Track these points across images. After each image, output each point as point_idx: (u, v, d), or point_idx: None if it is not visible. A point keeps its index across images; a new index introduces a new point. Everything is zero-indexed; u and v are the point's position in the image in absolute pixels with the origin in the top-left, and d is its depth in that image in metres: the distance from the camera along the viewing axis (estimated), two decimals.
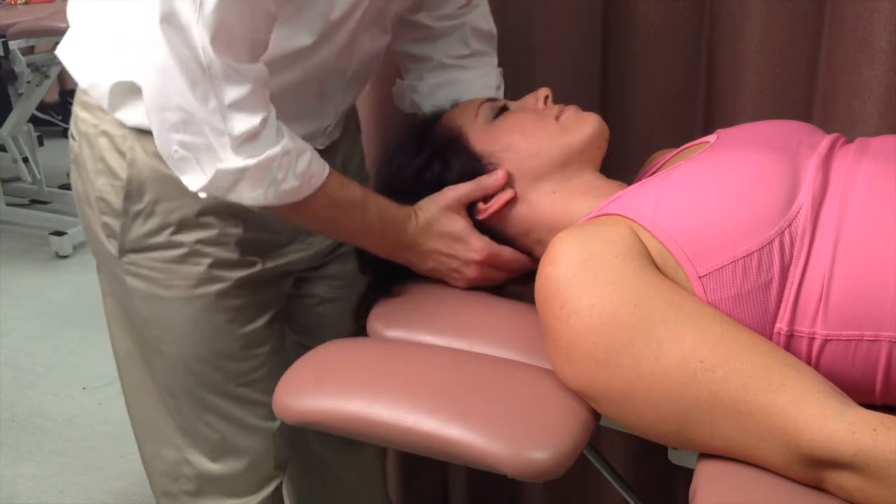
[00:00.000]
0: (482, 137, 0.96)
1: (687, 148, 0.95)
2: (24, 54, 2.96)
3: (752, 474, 0.68)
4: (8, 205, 3.29)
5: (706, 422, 0.68)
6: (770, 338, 0.74)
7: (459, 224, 0.95)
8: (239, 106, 0.78)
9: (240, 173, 0.80)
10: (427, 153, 0.97)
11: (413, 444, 0.76)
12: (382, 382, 0.81)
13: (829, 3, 1.07)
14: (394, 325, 0.93)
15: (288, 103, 0.87)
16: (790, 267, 0.73)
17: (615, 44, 1.22)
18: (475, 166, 0.95)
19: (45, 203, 3.35)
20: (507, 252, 0.96)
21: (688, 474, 0.73)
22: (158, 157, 0.90)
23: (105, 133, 0.93)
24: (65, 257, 2.91)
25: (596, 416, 0.78)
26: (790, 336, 0.73)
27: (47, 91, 3.42)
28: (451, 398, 0.78)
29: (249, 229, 0.97)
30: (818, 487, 0.66)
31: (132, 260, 0.96)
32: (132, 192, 0.93)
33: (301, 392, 0.82)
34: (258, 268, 0.98)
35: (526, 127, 0.95)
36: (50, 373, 2.21)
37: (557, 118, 0.95)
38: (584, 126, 0.94)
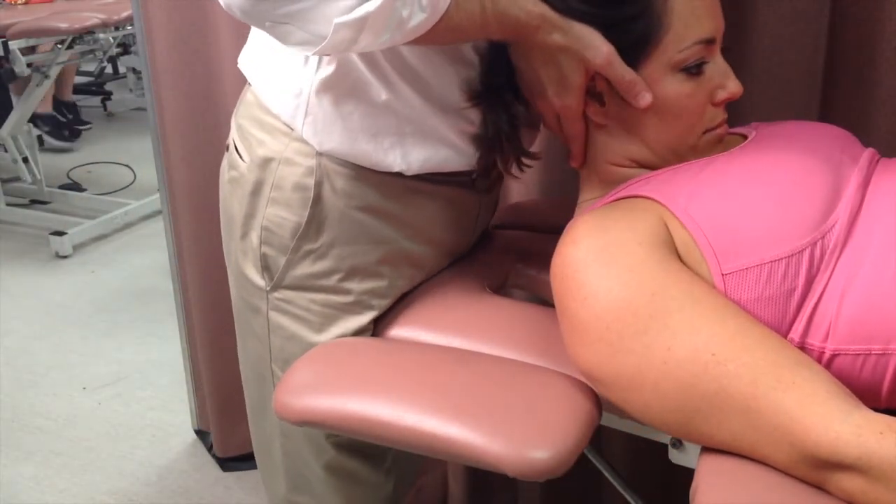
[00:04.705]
0: (662, 64, 0.81)
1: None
2: (24, 54, 2.96)
3: (754, 473, 0.68)
4: (8, 205, 3.29)
5: (714, 415, 0.68)
6: None
7: (579, 79, 0.82)
8: None
9: (361, 23, 0.69)
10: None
11: (414, 444, 0.76)
12: (383, 382, 0.81)
13: (830, 4, 1.07)
14: (394, 324, 0.93)
15: None
16: (815, 279, 0.72)
17: None
18: (634, 55, 0.80)
19: (45, 203, 3.35)
20: (580, 130, 0.86)
21: (688, 474, 0.73)
22: (347, 196, 0.87)
23: (288, 161, 0.87)
24: (65, 257, 2.91)
25: (597, 415, 0.78)
26: (801, 348, 0.73)
27: (40, 102, 3.40)
28: (451, 397, 0.78)
29: (418, 275, 0.95)
30: (822, 488, 0.66)
31: (286, 297, 0.92)
32: (310, 230, 0.88)
33: (302, 391, 0.82)
34: None
35: (682, 112, 0.83)
36: (50, 373, 2.21)
37: (705, 132, 0.85)
38: (707, 153, 0.85)
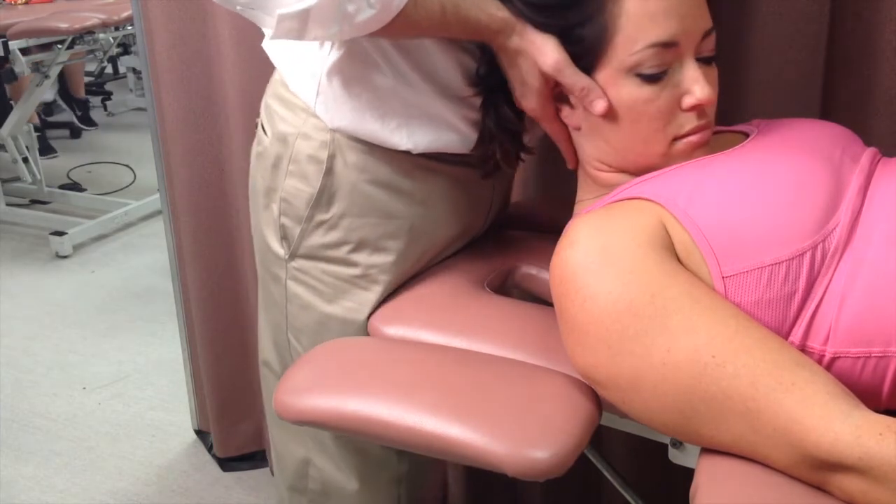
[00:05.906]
0: (614, 68, 0.79)
1: (721, 132, 0.90)
2: (24, 54, 2.96)
3: (754, 473, 0.68)
4: (8, 205, 3.29)
5: (713, 416, 0.68)
6: None
7: (536, 83, 0.82)
8: None
9: (304, 14, 0.73)
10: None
11: (414, 444, 0.76)
12: (383, 381, 0.81)
13: (830, 4, 1.07)
14: (394, 323, 0.93)
15: None
16: (815, 282, 0.72)
17: None
18: (587, 62, 0.80)
19: (45, 203, 3.36)
20: (558, 131, 0.87)
21: (688, 474, 0.73)
22: (358, 169, 0.90)
23: (305, 136, 0.91)
24: (65, 257, 2.91)
25: (597, 415, 0.78)
26: (801, 351, 0.72)
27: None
28: (451, 397, 0.78)
29: (426, 254, 0.97)
30: (822, 489, 0.66)
31: (301, 266, 0.95)
32: (322, 201, 0.92)
33: (301, 391, 0.82)
34: None
35: (640, 118, 0.80)
36: (50, 373, 2.21)
37: (677, 138, 0.81)
38: (679, 159, 0.82)
